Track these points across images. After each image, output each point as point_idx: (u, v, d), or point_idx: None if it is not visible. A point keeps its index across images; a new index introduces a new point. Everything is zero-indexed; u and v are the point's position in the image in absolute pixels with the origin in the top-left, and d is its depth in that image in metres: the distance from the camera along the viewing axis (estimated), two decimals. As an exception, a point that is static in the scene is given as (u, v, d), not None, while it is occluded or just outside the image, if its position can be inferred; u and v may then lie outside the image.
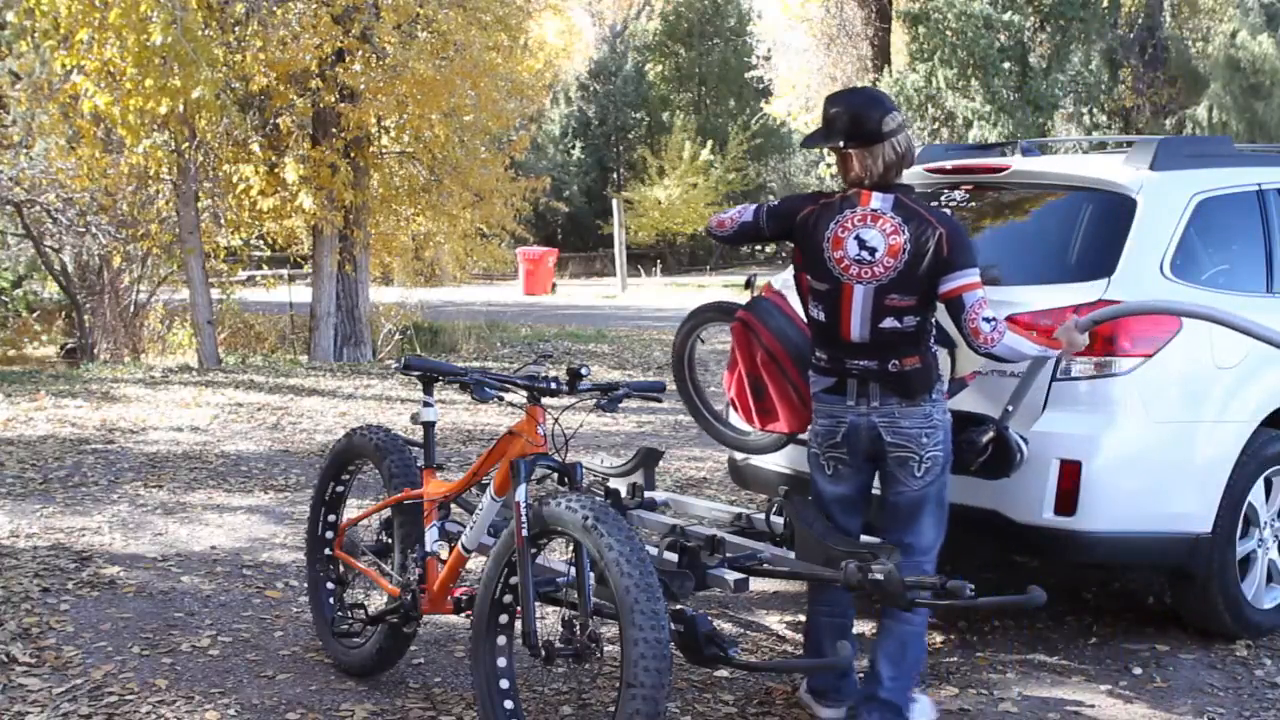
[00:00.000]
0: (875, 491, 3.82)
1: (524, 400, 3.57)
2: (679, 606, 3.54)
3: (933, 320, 3.63)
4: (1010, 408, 4.08)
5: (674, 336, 4.84)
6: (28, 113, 12.93)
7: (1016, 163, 4.90)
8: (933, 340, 3.66)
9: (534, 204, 19.62)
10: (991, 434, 3.99)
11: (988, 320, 3.50)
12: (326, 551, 4.36)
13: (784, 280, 4.53)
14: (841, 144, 3.58)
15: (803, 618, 4.73)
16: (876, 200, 3.56)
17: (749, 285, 4.29)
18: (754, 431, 4.45)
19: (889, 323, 3.53)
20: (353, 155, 12.85)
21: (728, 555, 3.89)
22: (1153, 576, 5.21)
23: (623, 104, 39.15)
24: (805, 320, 3.83)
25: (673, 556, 3.79)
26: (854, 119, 3.55)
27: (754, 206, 3.82)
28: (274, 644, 4.44)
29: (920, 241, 3.48)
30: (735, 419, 4.65)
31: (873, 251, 3.51)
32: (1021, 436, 4.05)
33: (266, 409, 9.23)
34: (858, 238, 3.54)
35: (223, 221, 14.12)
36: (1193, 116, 21.63)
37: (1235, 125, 20.86)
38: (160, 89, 10.50)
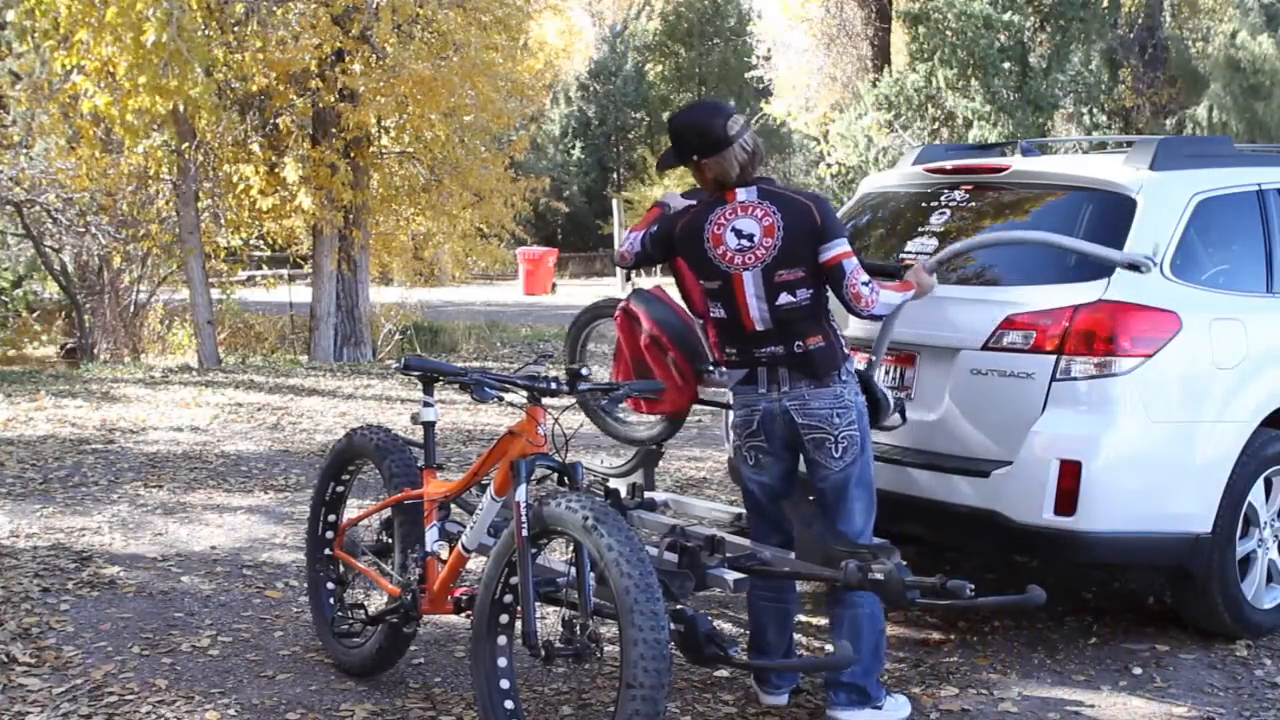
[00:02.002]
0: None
1: (524, 400, 3.58)
2: (679, 606, 3.54)
3: (826, 295, 3.76)
4: (874, 358, 4.18)
5: (568, 331, 4.99)
6: (28, 113, 12.96)
7: (1016, 163, 4.90)
8: (831, 319, 3.78)
9: (534, 204, 19.62)
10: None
11: (865, 284, 3.68)
12: (326, 551, 4.36)
13: None
14: (695, 158, 3.74)
15: (803, 618, 4.74)
16: (742, 194, 3.74)
17: (628, 280, 4.50)
18: (638, 420, 4.57)
19: (785, 299, 3.67)
20: (352, 155, 12.85)
21: (727, 555, 3.89)
22: (1153, 576, 5.21)
23: (623, 104, 39.16)
24: (688, 312, 4.10)
25: (672, 556, 3.79)
26: (700, 132, 3.73)
27: (640, 234, 4.01)
28: (274, 644, 4.44)
29: (791, 217, 3.66)
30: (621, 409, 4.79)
31: (750, 238, 3.68)
32: (896, 395, 4.09)
33: (266, 409, 9.23)
34: (734, 229, 3.71)
35: (223, 221, 14.14)
36: (1193, 116, 21.58)
37: (1235, 125, 20.81)
38: (156, 88, 10.50)
